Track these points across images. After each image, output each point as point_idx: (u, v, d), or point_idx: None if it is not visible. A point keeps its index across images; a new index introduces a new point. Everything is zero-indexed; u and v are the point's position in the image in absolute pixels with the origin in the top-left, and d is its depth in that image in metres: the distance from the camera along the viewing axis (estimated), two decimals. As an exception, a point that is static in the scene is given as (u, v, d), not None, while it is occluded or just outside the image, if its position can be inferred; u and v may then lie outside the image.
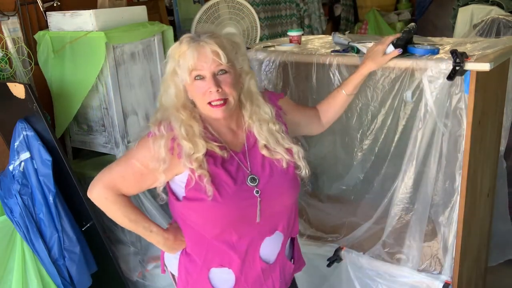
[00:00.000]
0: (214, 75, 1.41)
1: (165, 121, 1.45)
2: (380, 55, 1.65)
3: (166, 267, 1.69)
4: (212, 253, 1.50)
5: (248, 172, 1.48)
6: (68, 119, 2.47)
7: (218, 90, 1.41)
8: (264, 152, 1.52)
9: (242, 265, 1.51)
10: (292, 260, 1.69)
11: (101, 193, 1.50)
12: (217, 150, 1.45)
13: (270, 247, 1.55)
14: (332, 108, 1.74)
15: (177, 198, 1.50)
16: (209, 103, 1.43)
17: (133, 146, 1.51)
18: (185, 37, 1.45)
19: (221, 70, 1.42)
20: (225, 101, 1.43)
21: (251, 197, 1.45)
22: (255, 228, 1.48)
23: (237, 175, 1.46)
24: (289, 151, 1.54)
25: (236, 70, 1.47)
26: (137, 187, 1.53)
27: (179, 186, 1.48)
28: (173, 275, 1.66)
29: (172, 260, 1.63)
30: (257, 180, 1.48)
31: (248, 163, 1.50)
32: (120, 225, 1.58)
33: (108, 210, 1.53)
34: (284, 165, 1.52)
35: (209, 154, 1.44)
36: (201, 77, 1.41)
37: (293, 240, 1.70)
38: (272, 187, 1.49)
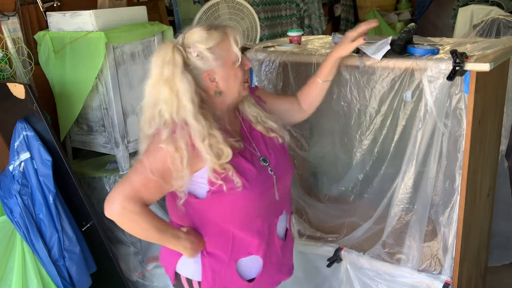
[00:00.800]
0: None
1: (183, 128, 1.42)
2: (348, 41, 1.67)
3: (179, 275, 1.61)
4: (239, 244, 1.53)
5: (258, 154, 1.56)
6: (71, 120, 2.47)
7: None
8: (260, 128, 1.60)
9: (267, 248, 1.58)
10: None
11: (125, 206, 1.39)
12: (236, 145, 1.48)
13: (282, 225, 1.65)
14: (310, 95, 1.78)
15: (196, 196, 1.48)
16: (245, 81, 1.53)
17: (144, 151, 1.45)
18: (205, 27, 1.46)
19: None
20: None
21: (269, 177, 1.54)
22: (273, 208, 1.57)
23: (253, 160, 1.52)
24: (274, 121, 1.64)
25: None
26: (159, 193, 1.47)
27: (199, 183, 1.47)
28: (189, 281, 1.59)
29: (190, 265, 1.57)
30: (268, 160, 1.56)
31: (254, 145, 1.57)
32: (139, 237, 1.50)
33: (133, 225, 1.43)
34: (280, 140, 1.62)
35: None
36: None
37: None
38: (280, 165, 1.59)
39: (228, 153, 1.43)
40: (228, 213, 1.50)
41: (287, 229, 1.70)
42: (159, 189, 1.44)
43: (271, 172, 1.55)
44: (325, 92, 1.79)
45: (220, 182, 1.42)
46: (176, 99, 1.41)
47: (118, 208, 1.39)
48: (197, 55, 1.45)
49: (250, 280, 1.59)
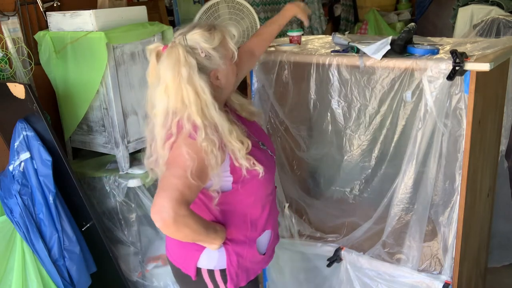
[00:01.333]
0: None
1: (210, 125, 1.44)
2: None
3: (200, 270, 1.62)
4: (255, 224, 1.63)
5: (255, 139, 1.62)
6: (76, 121, 2.47)
7: None
8: (244, 114, 1.69)
9: (274, 221, 1.74)
10: None
11: (177, 212, 1.35)
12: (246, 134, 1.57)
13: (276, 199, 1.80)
14: (266, 43, 1.99)
15: (223, 190, 1.53)
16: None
17: (175, 155, 1.44)
18: (205, 28, 1.51)
19: None
20: None
21: (271, 158, 1.67)
22: (273, 185, 1.70)
23: (255, 145, 1.58)
24: (250, 104, 1.75)
25: None
26: (197, 192, 1.46)
27: (223, 177, 1.52)
28: (211, 272, 1.61)
29: (213, 257, 1.59)
30: (264, 144, 1.66)
31: (248, 132, 1.61)
32: (188, 240, 1.51)
33: (186, 229, 1.41)
34: (261, 122, 1.77)
35: None
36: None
37: None
38: (270, 146, 1.71)
39: (248, 143, 1.50)
40: (252, 199, 1.59)
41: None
42: (198, 189, 1.44)
43: (271, 154, 1.68)
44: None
45: (244, 173, 1.50)
46: (199, 98, 1.44)
47: (171, 214, 1.34)
48: (205, 55, 1.49)
49: (264, 254, 1.70)
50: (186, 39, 1.48)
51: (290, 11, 2.01)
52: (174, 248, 1.67)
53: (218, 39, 1.51)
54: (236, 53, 1.56)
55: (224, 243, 1.59)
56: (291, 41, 2.17)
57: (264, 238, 1.69)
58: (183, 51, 1.44)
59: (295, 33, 2.17)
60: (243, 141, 1.49)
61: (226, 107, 1.65)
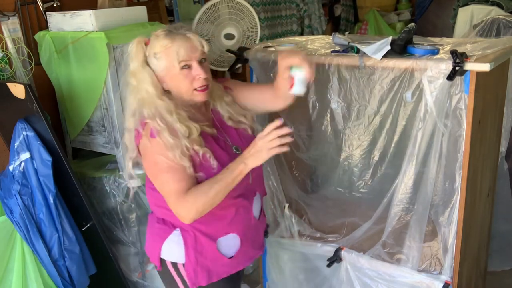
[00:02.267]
0: (200, 63, 1.56)
1: (155, 115, 1.53)
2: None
3: (164, 261, 1.68)
4: (218, 223, 1.63)
5: (230, 144, 1.66)
6: (83, 121, 2.47)
7: (205, 77, 1.56)
8: (230, 123, 1.69)
9: (244, 227, 1.69)
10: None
11: (184, 206, 1.52)
12: (208, 129, 1.60)
13: (257, 206, 1.75)
14: (281, 88, 1.67)
15: None
16: (195, 88, 1.57)
17: (143, 158, 1.57)
18: (161, 32, 1.56)
19: (203, 58, 1.58)
20: (207, 85, 1.59)
21: None
22: (247, 190, 1.68)
23: (226, 147, 1.63)
24: (245, 117, 1.73)
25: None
26: (191, 169, 1.53)
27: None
28: (174, 264, 1.66)
29: (174, 249, 1.65)
30: (240, 149, 1.64)
31: (225, 136, 1.67)
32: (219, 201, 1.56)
33: (202, 205, 1.51)
34: (250, 131, 1.72)
35: (201, 135, 1.57)
36: (188, 66, 1.55)
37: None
38: None
39: (196, 128, 1.54)
40: None
41: (261, 209, 1.81)
42: (188, 170, 1.51)
43: None
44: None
45: (199, 159, 1.52)
46: (139, 87, 1.56)
47: (184, 214, 1.52)
48: (148, 56, 1.57)
49: (230, 258, 1.69)
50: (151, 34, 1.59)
51: (284, 60, 1.58)
52: (147, 236, 1.76)
53: (159, 47, 1.54)
54: (178, 69, 1.54)
55: (186, 236, 1.62)
56: (291, 87, 1.60)
57: (229, 241, 1.67)
58: (136, 45, 1.57)
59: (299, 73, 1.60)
60: (190, 126, 1.53)
61: (208, 111, 1.69)
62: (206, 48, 1.58)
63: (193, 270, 1.64)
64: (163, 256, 1.67)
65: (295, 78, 1.57)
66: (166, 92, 1.59)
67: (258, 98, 1.80)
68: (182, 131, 1.51)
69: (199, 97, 1.59)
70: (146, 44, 1.59)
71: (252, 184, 1.69)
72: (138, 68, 1.57)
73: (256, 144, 1.49)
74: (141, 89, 1.56)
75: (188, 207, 1.51)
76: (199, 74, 1.56)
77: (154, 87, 1.55)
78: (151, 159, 1.54)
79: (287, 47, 2.10)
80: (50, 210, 2.18)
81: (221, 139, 1.65)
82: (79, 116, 2.47)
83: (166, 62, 1.54)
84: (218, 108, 1.70)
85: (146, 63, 1.57)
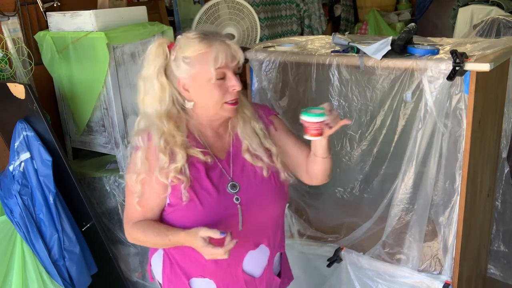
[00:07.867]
0: (236, 74, 1.39)
1: (144, 132, 1.42)
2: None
3: (154, 275, 1.61)
4: (193, 262, 1.46)
5: (229, 178, 1.45)
6: (84, 121, 2.47)
7: (239, 91, 1.40)
8: (247, 156, 1.48)
9: (224, 277, 1.47)
10: (279, 274, 1.64)
11: (126, 231, 1.48)
12: (200, 156, 1.41)
13: (255, 261, 1.50)
14: (312, 171, 1.56)
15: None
16: (227, 102, 1.40)
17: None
18: (194, 35, 1.38)
19: (238, 69, 1.41)
20: (238, 99, 1.43)
21: (231, 206, 1.42)
22: (238, 239, 1.32)
23: (219, 182, 1.43)
24: (268, 152, 1.50)
25: None
26: (157, 202, 1.43)
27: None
28: (160, 284, 1.58)
29: (157, 269, 1.56)
30: (238, 187, 1.44)
31: (231, 169, 1.47)
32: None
33: (138, 240, 1.46)
34: (265, 173, 1.47)
35: (191, 163, 1.40)
36: (222, 77, 1.38)
37: (281, 254, 1.64)
38: (254, 195, 1.46)
39: (181, 156, 1.37)
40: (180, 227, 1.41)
41: (268, 267, 1.54)
42: (137, 206, 1.43)
43: (237, 201, 1.43)
44: (329, 166, 1.53)
45: (169, 189, 1.38)
46: (145, 97, 1.43)
47: (127, 238, 1.48)
48: (174, 60, 1.40)
49: None
50: (178, 37, 1.42)
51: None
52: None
53: (193, 51, 1.36)
54: (214, 77, 1.35)
55: (164, 262, 1.52)
56: (306, 131, 1.42)
57: (202, 285, 1.48)
58: (156, 47, 1.40)
59: (313, 118, 1.39)
60: (176, 152, 1.37)
61: (230, 133, 1.50)
62: (242, 60, 1.41)
63: None
64: (153, 271, 1.61)
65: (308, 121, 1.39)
66: (183, 108, 1.43)
67: (294, 155, 1.57)
68: (162, 162, 1.37)
69: (229, 112, 1.41)
70: (169, 48, 1.41)
71: (247, 233, 1.43)
72: (151, 76, 1.40)
73: (196, 238, 1.29)
74: (145, 99, 1.43)
75: (130, 235, 1.46)
76: (234, 86, 1.38)
77: (159, 102, 1.40)
78: (129, 168, 1.45)
79: (287, 47, 2.10)
80: (50, 210, 2.18)
81: (218, 171, 1.45)
82: (81, 115, 2.48)
83: (199, 68, 1.36)
84: (239, 132, 1.49)
85: (164, 70, 1.40)
